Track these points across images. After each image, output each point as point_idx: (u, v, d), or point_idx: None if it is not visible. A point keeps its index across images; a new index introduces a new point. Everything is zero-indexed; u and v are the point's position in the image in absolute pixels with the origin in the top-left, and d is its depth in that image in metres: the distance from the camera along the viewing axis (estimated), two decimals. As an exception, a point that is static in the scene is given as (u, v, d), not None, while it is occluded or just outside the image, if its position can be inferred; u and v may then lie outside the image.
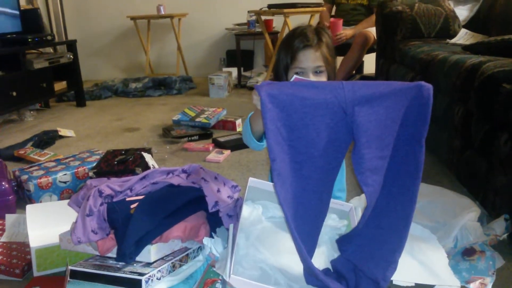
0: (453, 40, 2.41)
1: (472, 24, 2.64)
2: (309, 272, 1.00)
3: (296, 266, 1.05)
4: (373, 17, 3.30)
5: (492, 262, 1.09)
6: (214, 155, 2.16)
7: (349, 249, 1.07)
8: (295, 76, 1.13)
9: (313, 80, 1.19)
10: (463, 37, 2.42)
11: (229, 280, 0.97)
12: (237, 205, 1.23)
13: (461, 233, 1.21)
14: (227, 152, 2.20)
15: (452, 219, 1.25)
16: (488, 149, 1.35)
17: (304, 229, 0.99)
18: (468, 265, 1.10)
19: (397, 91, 1.00)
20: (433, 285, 1.05)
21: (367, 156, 1.00)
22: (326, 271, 1.09)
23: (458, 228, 1.21)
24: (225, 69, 4.34)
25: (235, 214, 1.21)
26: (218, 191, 1.22)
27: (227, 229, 1.20)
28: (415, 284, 1.05)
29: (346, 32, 3.44)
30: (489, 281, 1.05)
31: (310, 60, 1.20)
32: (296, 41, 1.22)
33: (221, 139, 2.37)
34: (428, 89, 0.98)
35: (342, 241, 1.13)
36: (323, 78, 1.22)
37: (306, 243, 0.98)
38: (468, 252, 1.13)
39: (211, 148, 2.29)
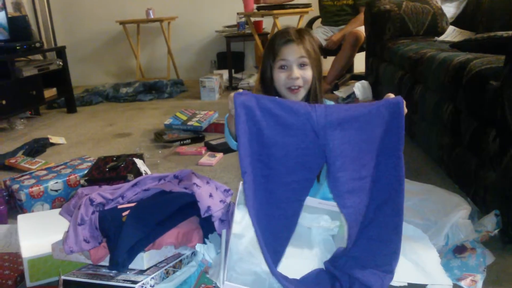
0: (441, 38, 2.42)
1: (459, 21, 2.66)
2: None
3: (289, 269, 1.05)
4: (360, 16, 3.31)
5: (483, 259, 1.11)
6: (207, 159, 2.16)
7: (342, 260, 1.07)
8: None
9: (298, 73, 1.22)
10: (451, 34, 2.44)
11: (223, 287, 0.97)
12: (229, 210, 1.23)
13: (452, 231, 1.22)
14: (219, 155, 2.20)
15: (443, 217, 1.26)
16: (477, 146, 1.36)
17: (268, 239, 1.00)
18: (460, 263, 1.10)
19: (368, 112, 1.03)
20: (426, 285, 1.06)
21: (343, 179, 1.02)
22: (319, 272, 1.09)
23: (449, 226, 1.22)
24: (216, 72, 4.34)
25: (227, 219, 1.21)
26: (210, 196, 1.22)
27: (220, 235, 1.20)
28: (408, 284, 1.05)
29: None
30: (480, 278, 1.06)
31: (293, 52, 1.23)
32: (277, 39, 1.25)
33: (214, 142, 2.37)
34: (398, 103, 1.02)
35: (335, 258, 1.11)
36: (307, 71, 1.25)
37: (269, 252, 0.99)
38: (459, 250, 1.14)
39: (203, 151, 2.29)
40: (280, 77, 1.25)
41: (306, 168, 1.05)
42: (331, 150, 1.02)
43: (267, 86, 1.30)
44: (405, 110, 1.05)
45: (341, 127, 1.02)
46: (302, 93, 1.27)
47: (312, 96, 1.28)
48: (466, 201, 1.35)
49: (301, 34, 1.25)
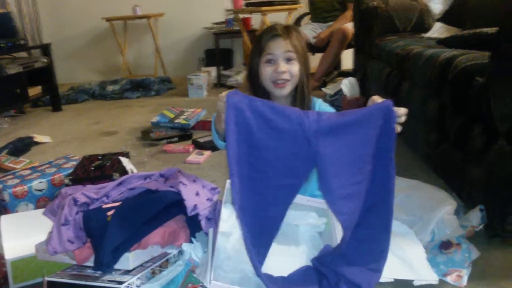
0: (428, 34, 2.44)
1: (446, 18, 2.68)
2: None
3: (276, 267, 1.05)
4: (348, 13, 3.32)
5: (468, 254, 1.11)
6: (195, 156, 2.14)
7: (329, 257, 1.07)
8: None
9: (284, 67, 1.22)
10: (438, 30, 2.46)
11: (210, 286, 0.96)
12: (216, 208, 1.22)
13: (438, 226, 1.23)
14: (207, 153, 2.18)
15: (429, 213, 1.27)
16: (463, 141, 1.37)
17: (253, 241, 0.99)
18: (445, 258, 1.11)
19: (359, 117, 1.04)
20: (412, 280, 1.06)
21: (336, 185, 1.02)
22: (306, 269, 1.09)
23: (435, 222, 1.23)
24: (204, 69, 4.32)
25: (214, 217, 1.20)
26: (197, 194, 1.21)
27: (206, 234, 1.19)
28: (394, 279, 1.06)
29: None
30: (465, 273, 1.07)
31: (280, 47, 1.23)
32: (265, 35, 1.25)
33: (201, 140, 2.35)
34: (388, 106, 1.02)
35: (322, 255, 1.11)
36: (294, 66, 1.24)
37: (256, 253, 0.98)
38: (445, 245, 1.15)
39: (191, 149, 2.28)
40: (266, 71, 1.24)
41: (295, 174, 1.05)
42: (323, 156, 1.02)
43: (255, 82, 1.29)
44: (403, 119, 1.04)
45: (333, 132, 1.02)
46: (288, 87, 1.26)
47: (299, 93, 1.28)
48: (452, 197, 1.35)
49: (288, 29, 1.25)
